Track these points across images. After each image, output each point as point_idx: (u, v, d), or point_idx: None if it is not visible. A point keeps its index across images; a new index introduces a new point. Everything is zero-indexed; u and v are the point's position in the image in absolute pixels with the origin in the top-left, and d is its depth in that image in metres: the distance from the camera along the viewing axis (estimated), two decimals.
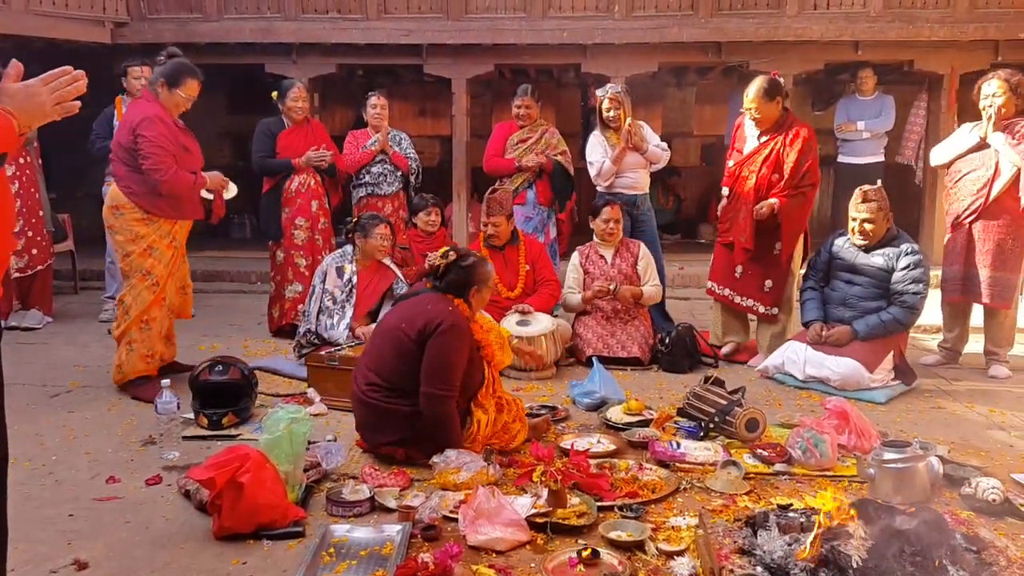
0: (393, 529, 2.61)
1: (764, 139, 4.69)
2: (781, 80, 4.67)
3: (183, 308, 4.54)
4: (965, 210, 4.63)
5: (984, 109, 4.54)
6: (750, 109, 4.63)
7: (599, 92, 5.49)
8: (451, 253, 3.35)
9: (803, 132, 4.61)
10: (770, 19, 7.50)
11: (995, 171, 4.51)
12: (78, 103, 1.87)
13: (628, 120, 5.32)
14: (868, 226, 4.32)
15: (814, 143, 4.64)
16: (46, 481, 3.11)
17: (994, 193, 4.51)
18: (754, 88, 4.59)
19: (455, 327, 3.17)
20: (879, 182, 4.43)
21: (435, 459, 3.12)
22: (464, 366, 3.21)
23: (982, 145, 4.57)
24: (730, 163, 4.95)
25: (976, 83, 4.68)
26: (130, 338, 4.19)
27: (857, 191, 4.40)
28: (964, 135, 4.69)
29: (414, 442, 3.20)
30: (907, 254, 4.28)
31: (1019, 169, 4.43)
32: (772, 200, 4.60)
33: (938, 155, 4.84)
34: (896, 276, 4.27)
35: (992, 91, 4.51)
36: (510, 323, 4.73)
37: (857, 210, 4.36)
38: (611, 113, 5.37)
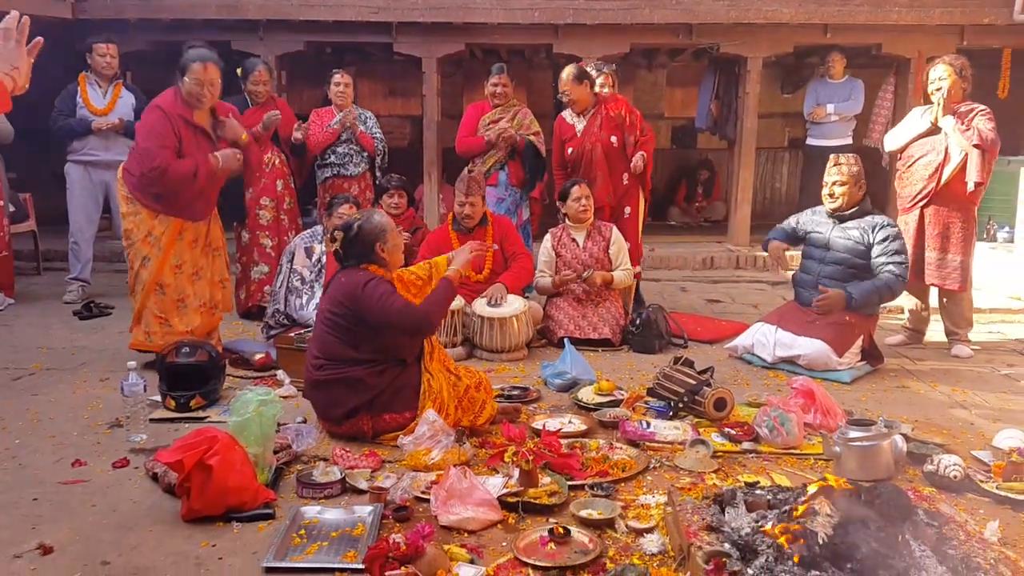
0: (364, 510, 2.61)
1: (589, 116, 5.28)
2: (589, 68, 5.44)
3: (226, 302, 4.52)
4: (918, 194, 4.74)
5: (932, 94, 4.64)
6: (564, 92, 5.25)
7: (591, 70, 5.48)
8: (337, 233, 3.41)
9: (621, 100, 5.39)
10: (740, 1, 7.50)
11: (945, 156, 4.61)
12: (39, 39, 1.85)
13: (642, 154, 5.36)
14: (837, 189, 4.44)
15: (630, 106, 5.40)
16: (8, 465, 3.06)
17: (944, 177, 4.61)
18: (565, 74, 5.24)
19: (368, 282, 3.29)
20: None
21: (404, 440, 3.12)
22: (397, 297, 3.31)
23: (934, 130, 4.67)
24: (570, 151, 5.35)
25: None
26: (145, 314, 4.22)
27: (831, 158, 4.55)
28: (916, 119, 4.79)
29: (377, 406, 3.26)
30: (883, 227, 4.37)
31: (967, 154, 4.53)
32: (640, 153, 5.23)
33: (891, 140, 4.95)
34: (876, 250, 4.34)
35: (939, 75, 4.63)
36: (481, 304, 4.72)
37: (828, 174, 4.50)
38: (605, 91, 5.40)
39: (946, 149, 4.61)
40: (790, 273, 4.80)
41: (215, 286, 4.40)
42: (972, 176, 4.53)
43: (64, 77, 5.85)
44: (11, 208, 6.07)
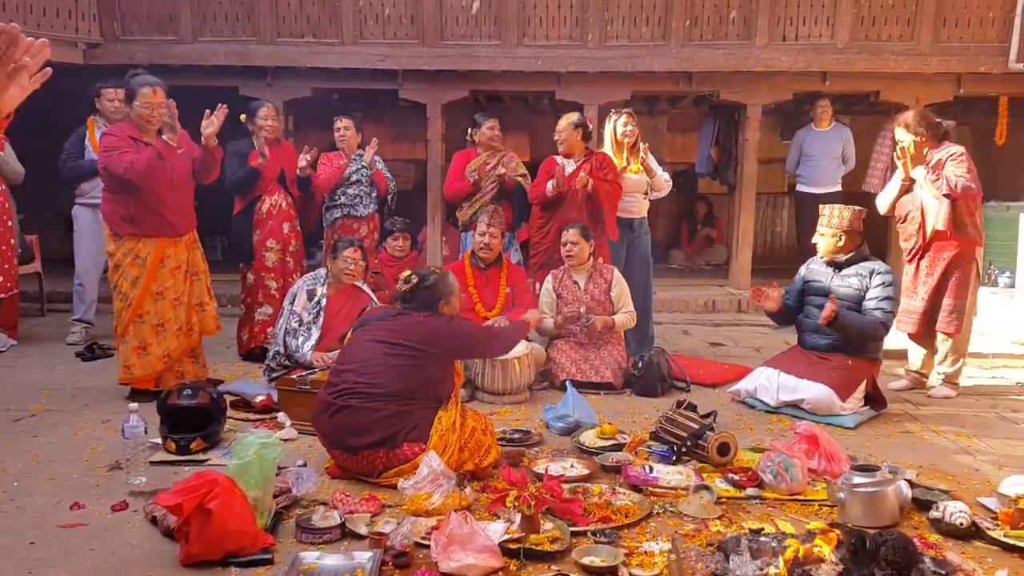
0: (364, 556, 2.57)
1: (579, 162, 5.36)
2: (588, 123, 5.69)
3: (204, 325, 4.66)
4: (911, 248, 4.84)
5: (900, 153, 4.75)
6: (562, 131, 5.42)
7: (612, 112, 5.61)
8: (413, 277, 3.54)
9: (604, 157, 5.43)
10: (740, 50, 7.64)
11: (923, 211, 4.72)
12: (48, 69, 1.68)
13: (644, 145, 5.48)
14: (819, 239, 4.58)
15: (610, 159, 5.44)
16: (7, 508, 3.04)
17: (928, 231, 4.70)
18: (565, 121, 5.44)
19: (451, 322, 3.55)
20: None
21: (404, 484, 3.10)
22: (474, 325, 3.73)
23: (910, 188, 4.79)
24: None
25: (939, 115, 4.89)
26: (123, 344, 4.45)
27: (820, 208, 4.68)
28: (895, 179, 4.92)
29: (399, 439, 3.26)
30: (880, 273, 4.42)
31: (942, 201, 4.61)
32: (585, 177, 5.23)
33: (880, 204, 5.06)
34: (868, 294, 4.38)
35: (898, 137, 4.79)
36: None
37: (818, 225, 4.62)
38: (628, 127, 5.48)
39: (922, 205, 4.71)
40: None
41: (192, 309, 4.59)
42: (939, 224, 4.63)
43: (74, 121, 5.95)
44: (19, 250, 6.11)
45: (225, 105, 4.48)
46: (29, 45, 1.63)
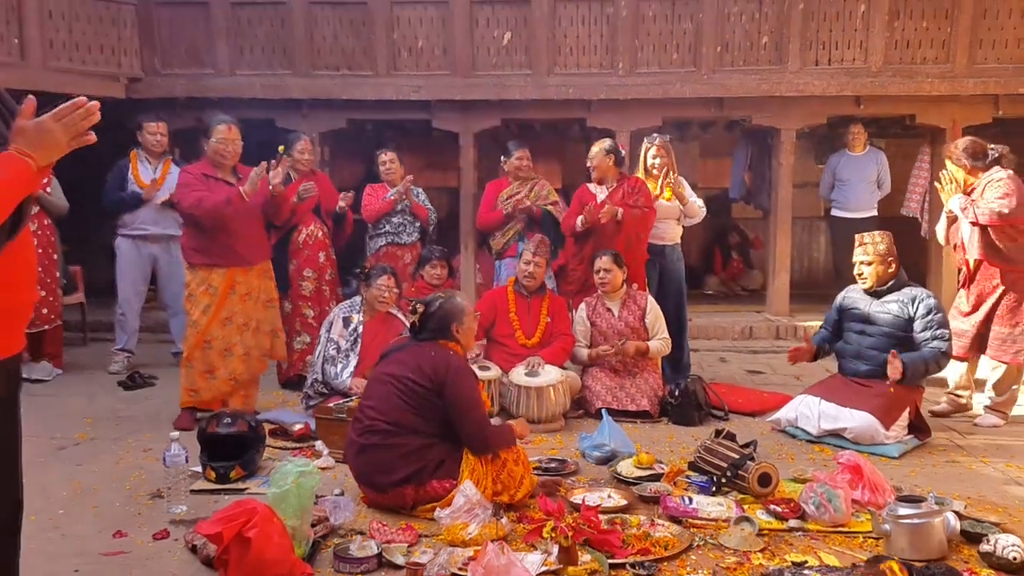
0: None
1: (612, 189, 5.34)
2: (621, 149, 5.61)
3: (276, 351, 4.84)
4: (962, 275, 4.86)
5: (944, 180, 4.77)
6: (594, 157, 5.39)
7: (646, 140, 5.61)
8: (419, 306, 3.52)
9: (637, 181, 5.39)
10: (772, 75, 7.62)
11: (962, 241, 4.72)
12: (93, 134, 1.88)
13: (674, 174, 5.45)
14: (865, 269, 4.47)
15: (644, 183, 5.40)
16: (52, 535, 3.08)
17: (972, 260, 4.70)
18: (597, 147, 5.43)
19: (461, 370, 3.39)
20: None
21: (441, 513, 3.09)
22: (482, 406, 3.41)
23: (955, 219, 4.80)
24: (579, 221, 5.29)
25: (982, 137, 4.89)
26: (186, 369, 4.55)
27: (856, 237, 4.61)
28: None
29: (424, 475, 3.25)
30: (923, 300, 4.34)
31: (972, 229, 4.63)
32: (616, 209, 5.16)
33: (938, 234, 5.13)
34: (919, 324, 4.31)
35: (949, 168, 4.78)
36: (518, 373, 4.72)
37: (855, 254, 4.55)
38: (657, 160, 5.47)
39: (962, 234, 4.73)
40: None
41: (266, 335, 4.72)
42: (972, 252, 4.66)
43: (116, 154, 6.09)
44: (63, 281, 6.25)
45: (287, 158, 4.73)
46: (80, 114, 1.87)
